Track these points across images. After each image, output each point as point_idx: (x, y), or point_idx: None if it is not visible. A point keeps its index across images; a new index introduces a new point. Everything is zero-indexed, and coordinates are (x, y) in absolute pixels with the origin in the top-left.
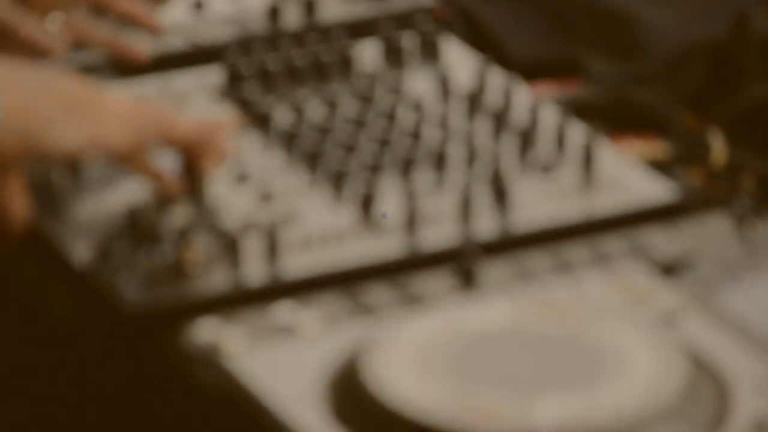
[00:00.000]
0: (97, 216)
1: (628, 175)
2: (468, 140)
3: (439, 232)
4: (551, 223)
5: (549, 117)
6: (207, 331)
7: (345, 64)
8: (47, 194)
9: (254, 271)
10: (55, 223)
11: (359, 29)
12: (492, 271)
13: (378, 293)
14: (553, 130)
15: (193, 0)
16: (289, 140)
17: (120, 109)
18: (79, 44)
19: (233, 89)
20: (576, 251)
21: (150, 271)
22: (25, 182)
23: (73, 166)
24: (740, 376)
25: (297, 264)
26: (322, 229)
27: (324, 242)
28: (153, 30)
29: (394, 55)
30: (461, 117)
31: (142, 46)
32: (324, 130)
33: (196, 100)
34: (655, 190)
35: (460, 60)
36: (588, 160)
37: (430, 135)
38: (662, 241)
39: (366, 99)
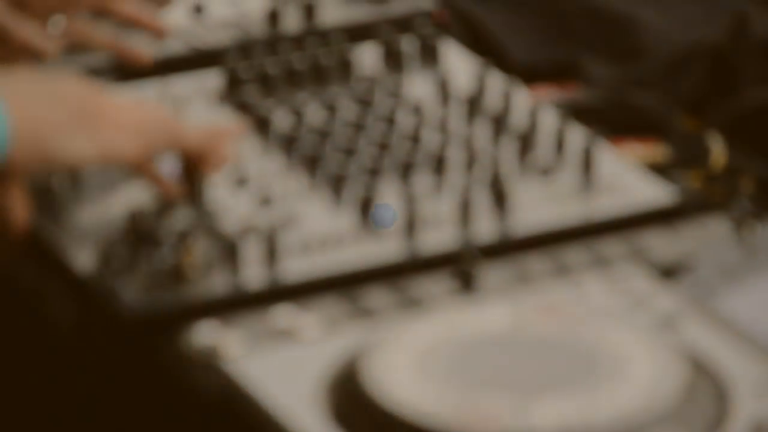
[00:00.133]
0: (97, 221)
1: (628, 178)
2: (467, 143)
3: (439, 236)
4: (550, 226)
5: (548, 120)
6: (207, 334)
7: (344, 68)
8: (47, 199)
9: (254, 274)
10: (55, 228)
11: (359, 33)
12: (491, 274)
13: (377, 296)
14: (553, 133)
15: (193, 4)
16: (289, 144)
17: (129, 118)
18: (81, 47)
19: (233, 93)
20: (575, 254)
21: (150, 275)
22: (26, 187)
23: (73, 171)
24: (739, 379)
25: (296, 267)
26: (321, 232)
27: (323, 245)
28: (156, 33)
29: (393, 59)
30: (461, 120)
31: (145, 49)
32: (323, 134)
33: (196, 104)
34: (654, 193)
35: (459, 63)
36: (587, 163)
37: (430, 138)
38: (661, 243)
39: (365, 102)
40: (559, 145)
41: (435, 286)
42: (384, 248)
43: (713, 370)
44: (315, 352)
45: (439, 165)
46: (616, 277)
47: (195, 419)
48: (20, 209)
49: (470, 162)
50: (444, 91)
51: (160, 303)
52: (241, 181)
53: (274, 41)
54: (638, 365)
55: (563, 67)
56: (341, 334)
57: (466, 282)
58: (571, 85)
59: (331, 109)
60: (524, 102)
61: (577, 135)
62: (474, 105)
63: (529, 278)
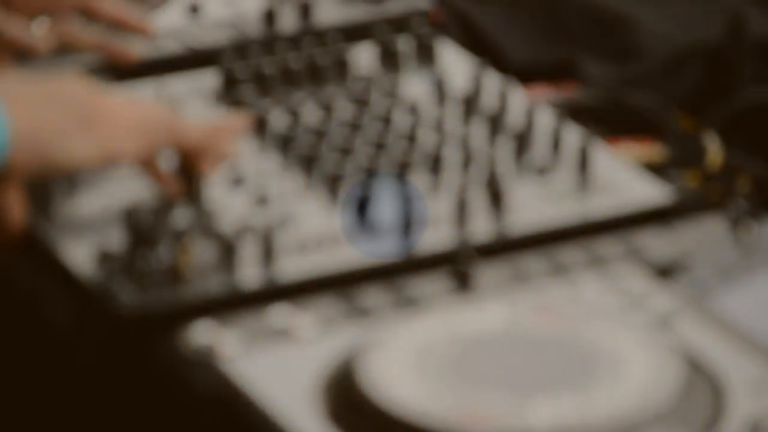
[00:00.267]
0: (94, 220)
1: (624, 177)
2: (464, 143)
3: (435, 235)
4: (547, 226)
5: (545, 120)
6: (203, 334)
7: (340, 68)
8: (43, 198)
9: (250, 274)
10: (51, 227)
11: (355, 33)
12: (488, 273)
13: (374, 296)
14: (549, 132)
15: (189, 4)
16: (285, 143)
17: (129, 117)
18: (68, 48)
19: (229, 93)
20: (571, 254)
21: (146, 275)
22: (23, 186)
23: (73, 172)
24: (735, 378)
25: (293, 267)
26: (317, 231)
27: (320, 245)
28: (141, 32)
29: (389, 59)
30: (457, 120)
31: (132, 49)
32: (320, 134)
33: (192, 104)
34: (651, 192)
35: (455, 63)
36: (583, 162)
37: (426, 138)
38: (658, 243)
39: (361, 102)
40: (556, 144)
41: (431, 285)
42: (380, 248)
43: (710, 370)
44: (311, 352)
45: (435, 164)
46: (612, 276)
47: (191, 418)
48: (17, 208)
49: (466, 162)
50: (440, 91)
51: (156, 302)
52: (238, 181)
53: (270, 41)
54: (635, 365)
55: (560, 66)
56: (338, 333)
57: (463, 281)
58: (567, 84)
59: (327, 108)
60: (521, 101)
61: (573, 134)
62: (470, 104)
63: (526, 278)
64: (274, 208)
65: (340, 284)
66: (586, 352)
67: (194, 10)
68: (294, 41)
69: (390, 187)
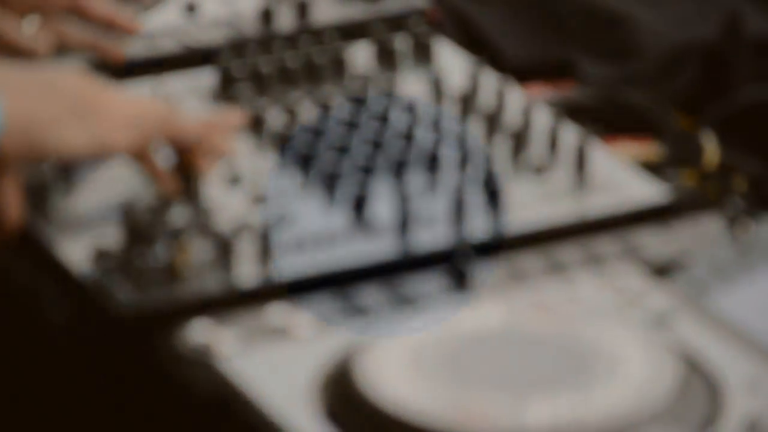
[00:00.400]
0: (90, 218)
1: (621, 176)
2: (461, 142)
3: (432, 234)
4: (544, 225)
5: (542, 119)
6: (200, 332)
7: (338, 66)
8: (40, 196)
9: (247, 272)
10: (48, 225)
11: (352, 31)
12: (485, 272)
13: (371, 295)
14: (546, 131)
15: (186, 2)
16: (282, 142)
17: (124, 109)
18: (58, 47)
19: (226, 91)
20: (569, 252)
21: (143, 273)
22: (20, 183)
23: (65, 167)
24: (732, 377)
25: (290, 265)
26: (315, 230)
27: (317, 244)
28: (131, 32)
29: (386, 57)
30: (454, 119)
31: (121, 48)
32: (317, 132)
33: (189, 103)
34: (648, 191)
35: (452, 62)
36: (581, 161)
37: (423, 137)
38: (655, 242)
39: (359, 101)
40: (553, 143)
41: (428, 284)
42: (378, 246)
43: (707, 369)
44: (309, 350)
45: (432, 163)
46: (609, 275)
47: (188, 417)
48: (14, 205)
49: (464, 160)
50: (437, 90)
51: (153, 300)
52: (235, 180)
53: (267, 40)
54: (631, 364)
55: (557, 65)
56: (335, 332)
57: (460, 280)
58: (564, 83)
59: (325, 107)
60: (518, 100)
61: (570, 133)
62: (467, 103)
63: (523, 276)
64: (271, 206)
65: (337, 283)
66: (583, 351)
67: (191, 8)
68: (291, 40)
69: (387, 185)
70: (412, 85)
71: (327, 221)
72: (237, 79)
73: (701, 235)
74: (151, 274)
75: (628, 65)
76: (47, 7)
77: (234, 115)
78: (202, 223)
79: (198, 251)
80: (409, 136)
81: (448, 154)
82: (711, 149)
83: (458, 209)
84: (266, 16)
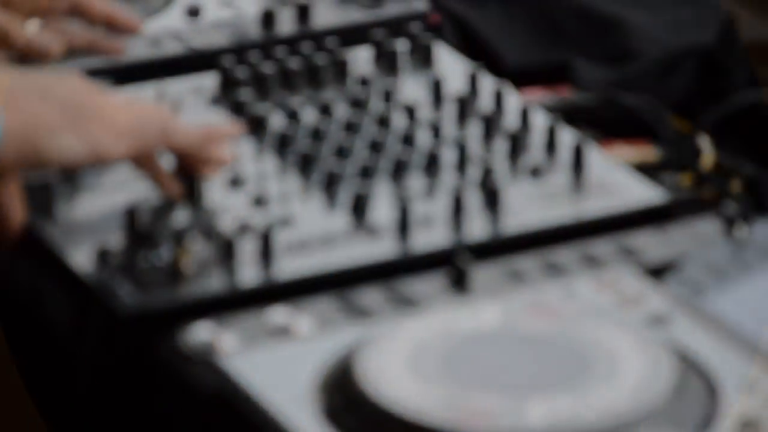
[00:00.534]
0: (94, 219)
1: (618, 179)
2: (460, 145)
3: (431, 236)
4: (542, 227)
5: (539, 122)
6: (202, 333)
7: (338, 70)
8: (43, 197)
9: (249, 273)
10: (51, 226)
11: (352, 36)
12: (483, 273)
13: (371, 295)
14: (544, 134)
15: (188, 6)
16: (283, 145)
17: (122, 116)
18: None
19: (228, 95)
20: (566, 254)
21: (146, 274)
22: (21, 185)
23: (68, 169)
24: (729, 377)
25: (291, 267)
26: (315, 232)
27: (318, 245)
28: (132, 31)
29: (386, 61)
30: (453, 122)
31: (121, 44)
32: (318, 135)
33: (191, 106)
34: (645, 193)
35: (451, 66)
36: (578, 164)
37: (423, 140)
38: (651, 244)
39: (359, 104)
40: (550, 146)
41: (428, 285)
42: (377, 248)
43: (703, 369)
44: (309, 350)
45: (431, 166)
46: (606, 277)
47: (190, 417)
48: (16, 207)
49: (462, 163)
50: (437, 93)
51: (156, 301)
52: (236, 182)
53: (269, 44)
54: (628, 364)
55: (554, 69)
56: (335, 332)
57: (459, 281)
58: (562, 87)
59: (326, 110)
60: (516, 104)
61: (568, 137)
62: (466, 107)
63: (521, 277)
64: (272, 208)
65: (337, 284)
66: (581, 352)
67: (193, 12)
68: (292, 44)
69: (387, 187)
70: (411, 88)
71: (328, 223)
72: (239, 82)
73: (698, 237)
74: (154, 275)
75: (625, 69)
76: (49, 9)
77: (232, 125)
78: (204, 224)
79: (200, 252)
80: (408, 139)
81: (448, 157)
82: (707, 152)
83: (457, 211)
84: (268, 20)
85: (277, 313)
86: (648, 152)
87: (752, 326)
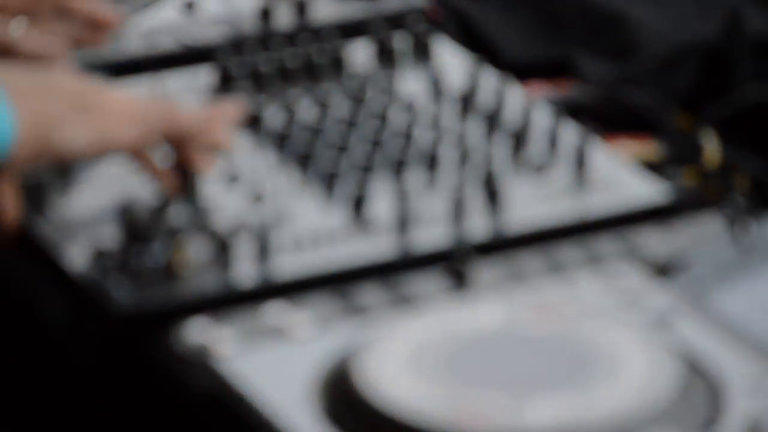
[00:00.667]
0: (88, 217)
1: (621, 175)
2: (460, 141)
3: (432, 233)
4: (544, 224)
5: (542, 117)
6: (198, 331)
7: (336, 65)
8: (38, 196)
9: (245, 272)
10: (46, 225)
11: (351, 30)
12: (484, 271)
13: (370, 294)
14: (546, 130)
15: (185, 0)
16: (281, 141)
17: (125, 106)
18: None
19: (225, 89)
20: (569, 252)
21: (141, 272)
22: (18, 183)
23: (63, 167)
24: (733, 378)
25: (288, 265)
26: (313, 229)
27: (315, 243)
28: (113, 26)
29: (385, 56)
30: (453, 117)
31: (104, 38)
32: (315, 131)
33: (187, 101)
34: (648, 190)
35: (452, 60)
36: (581, 160)
37: (422, 135)
38: (655, 241)
39: (358, 99)
40: (553, 142)
41: (428, 283)
42: (376, 246)
43: (708, 369)
44: (307, 350)
45: (431, 162)
46: (609, 274)
47: (186, 417)
48: (11, 205)
49: (463, 159)
50: (437, 88)
51: (151, 300)
52: (233, 178)
53: (266, 38)
54: (632, 364)
55: (557, 64)
56: (333, 331)
57: (459, 280)
58: (564, 82)
59: (323, 106)
60: (517, 99)
61: (570, 132)
62: (467, 102)
63: (523, 276)
64: (269, 205)
65: (336, 282)
66: (583, 351)
67: (190, 6)
68: (290, 38)
69: (386, 184)
70: (411, 83)
71: (326, 220)
72: (236, 77)
73: (702, 234)
74: (149, 274)
75: (629, 64)
76: (35, 8)
77: (233, 107)
78: (200, 222)
79: (196, 250)
80: (408, 135)
81: (448, 153)
82: (712, 148)
83: (458, 208)
84: (265, 14)
85: (275, 312)
86: (652, 148)
87: (757, 325)
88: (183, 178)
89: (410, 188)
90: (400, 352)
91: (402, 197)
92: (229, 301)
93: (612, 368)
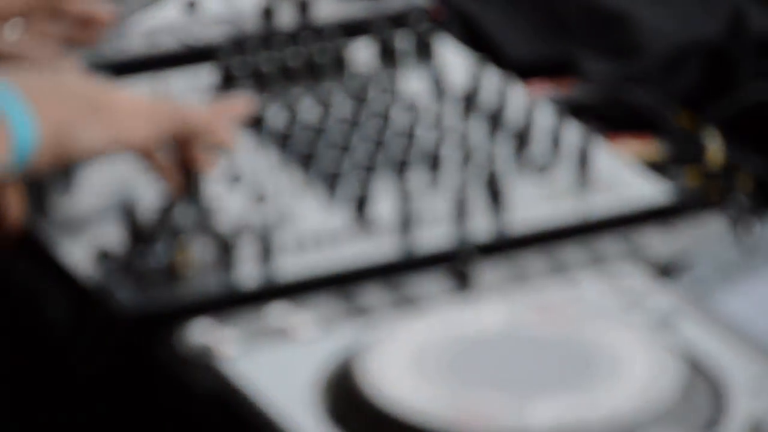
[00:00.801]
0: (91, 218)
1: (624, 175)
2: (463, 140)
3: (434, 234)
4: (547, 224)
5: (544, 117)
6: (201, 332)
7: (339, 64)
8: (41, 197)
9: (248, 272)
10: (49, 225)
11: (353, 29)
12: (487, 272)
13: (372, 295)
14: (549, 130)
15: (187, 0)
16: (283, 140)
17: (135, 105)
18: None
19: (226, 89)
20: (571, 252)
21: (144, 273)
22: (22, 184)
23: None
24: (736, 378)
25: (291, 265)
26: (316, 230)
27: (318, 243)
28: (106, 24)
29: (388, 55)
30: (456, 117)
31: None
32: (318, 130)
33: (189, 100)
34: (651, 190)
35: (454, 60)
36: (583, 160)
37: (425, 135)
38: (658, 241)
39: (360, 99)
40: (555, 142)
41: (430, 284)
42: (379, 246)
43: (710, 369)
44: (310, 351)
45: (434, 162)
46: (612, 275)
47: (189, 417)
48: (15, 206)
49: (466, 159)
50: (439, 88)
51: (154, 301)
52: (236, 179)
53: (268, 37)
54: (635, 364)
55: (559, 63)
56: (336, 332)
57: (462, 280)
58: (567, 81)
59: (326, 105)
60: (520, 99)
61: (573, 132)
62: (469, 101)
63: (526, 276)
64: (272, 206)
65: (338, 283)
66: (586, 352)
67: (192, 5)
68: (292, 37)
69: (389, 184)
70: (413, 82)
71: (328, 220)
72: (237, 76)
73: (705, 234)
74: (152, 275)
75: (631, 63)
76: (28, 10)
77: (240, 103)
78: (202, 222)
79: (199, 251)
80: (410, 135)
81: (450, 153)
82: (714, 148)
83: (460, 208)
84: (267, 13)
85: (278, 313)
86: (655, 148)
87: (760, 326)
88: (187, 179)
89: (413, 188)
90: (403, 352)
91: (405, 197)
92: (233, 302)
93: (614, 369)
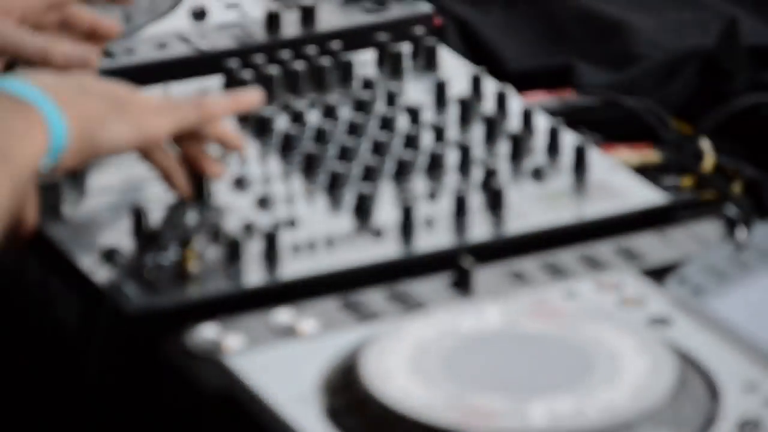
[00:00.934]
0: (101, 219)
1: (620, 181)
2: (462, 147)
3: (434, 237)
4: (544, 229)
5: (542, 124)
6: (209, 333)
7: (343, 73)
8: (52, 198)
9: (254, 274)
10: (59, 226)
11: (357, 38)
12: (486, 275)
13: (374, 296)
14: (546, 137)
15: (194, 9)
16: (289, 146)
17: (155, 99)
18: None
19: None
20: (568, 256)
21: (153, 274)
22: (36, 185)
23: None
24: (729, 378)
25: (295, 268)
26: (320, 233)
27: (322, 246)
28: (112, 35)
29: (390, 64)
30: (456, 124)
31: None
32: (322, 137)
33: None
34: (646, 196)
35: (455, 69)
36: (580, 166)
37: (426, 142)
38: (652, 246)
39: (363, 106)
40: (552, 149)
41: (431, 286)
42: (381, 249)
43: (704, 370)
44: (314, 351)
45: (435, 168)
46: (608, 279)
47: (196, 416)
48: (30, 208)
49: (465, 165)
50: (440, 96)
51: (162, 301)
52: (241, 183)
53: (273, 46)
54: (629, 365)
55: (556, 72)
56: (340, 332)
57: (462, 282)
58: (564, 90)
59: (330, 112)
60: (518, 107)
61: (570, 139)
62: (469, 109)
63: (523, 279)
64: (277, 210)
65: (341, 285)
66: (583, 353)
67: (199, 15)
68: (297, 46)
69: (391, 189)
70: (415, 91)
71: (332, 224)
72: (244, 84)
73: (698, 239)
74: (161, 276)
75: (627, 72)
76: (40, 24)
77: (253, 94)
78: (210, 225)
79: (206, 253)
80: (412, 141)
81: (451, 159)
82: (708, 155)
83: (460, 212)
84: (272, 22)
85: (282, 314)
86: (649, 155)
87: (753, 327)
88: (194, 183)
89: (414, 193)
90: (404, 352)
91: (406, 202)
92: (238, 303)
93: (610, 370)
